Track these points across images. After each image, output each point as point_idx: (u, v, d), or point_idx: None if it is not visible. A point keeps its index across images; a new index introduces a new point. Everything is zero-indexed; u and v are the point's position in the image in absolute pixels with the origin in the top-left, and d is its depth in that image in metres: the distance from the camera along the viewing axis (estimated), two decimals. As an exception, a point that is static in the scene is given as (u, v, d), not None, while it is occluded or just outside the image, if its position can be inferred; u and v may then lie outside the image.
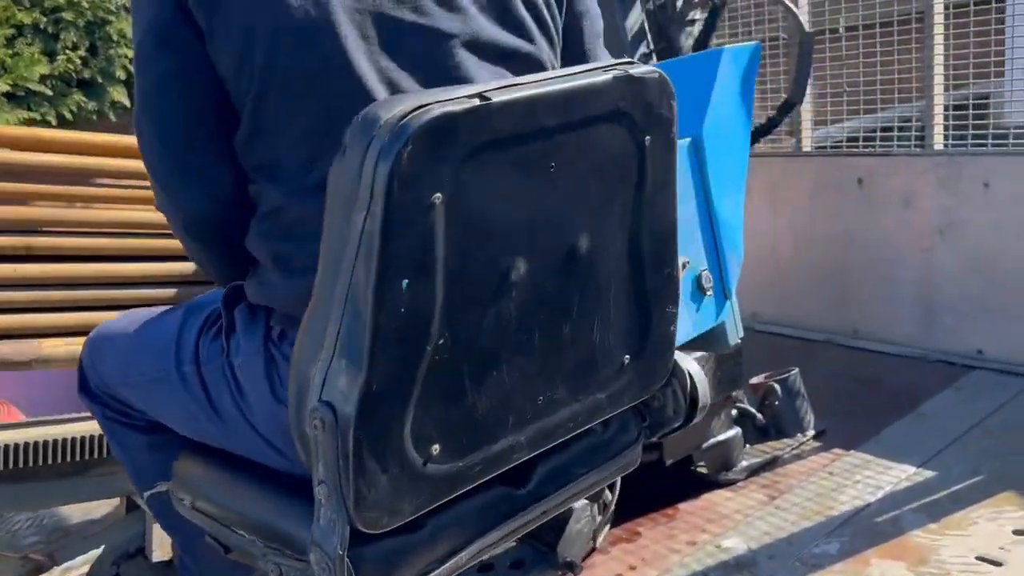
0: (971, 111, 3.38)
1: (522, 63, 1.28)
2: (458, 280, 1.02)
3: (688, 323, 1.91)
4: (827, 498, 2.60)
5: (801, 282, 4.11)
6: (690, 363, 1.48)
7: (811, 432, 3.02)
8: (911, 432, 2.96)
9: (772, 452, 2.93)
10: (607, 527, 2.54)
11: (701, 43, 2.77)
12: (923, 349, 3.63)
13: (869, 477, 2.69)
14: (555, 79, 1.06)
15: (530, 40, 1.30)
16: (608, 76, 1.10)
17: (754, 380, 3.10)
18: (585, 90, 1.08)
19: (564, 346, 1.21)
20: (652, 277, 1.30)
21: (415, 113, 0.92)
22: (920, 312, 3.66)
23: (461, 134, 0.95)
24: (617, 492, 2.51)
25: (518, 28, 1.28)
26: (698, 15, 2.90)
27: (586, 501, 2.17)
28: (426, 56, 1.22)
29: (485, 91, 0.98)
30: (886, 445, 2.89)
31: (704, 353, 2.44)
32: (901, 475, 2.67)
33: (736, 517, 2.58)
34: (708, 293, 1.93)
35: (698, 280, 1.91)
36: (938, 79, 3.40)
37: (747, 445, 2.97)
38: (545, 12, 1.33)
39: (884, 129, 3.66)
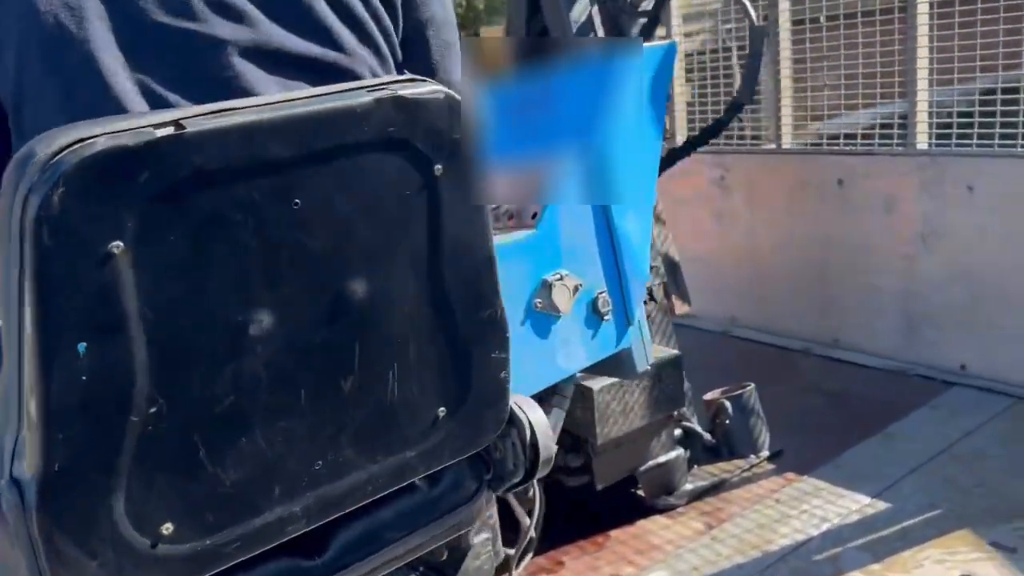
0: (955, 108, 3.14)
1: (329, 75, 1.12)
2: (170, 340, 0.87)
3: (581, 351, 1.74)
4: (768, 530, 2.42)
5: (781, 286, 3.90)
6: (532, 411, 1.31)
7: (765, 453, 2.84)
8: (873, 456, 2.76)
9: (720, 475, 2.75)
10: (529, 556, 2.39)
11: (646, 34, 2.57)
12: (904, 362, 3.41)
13: (817, 507, 2.50)
14: (290, 102, 0.90)
15: (339, 49, 1.13)
16: (368, 98, 0.94)
17: (708, 396, 2.92)
18: (335, 115, 0.92)
19: (345, 404, 1.05)
20: (465, 321, 1.13)
21: (73, 148, 0.77)
22: (902, 323, 3.44)
23: (142, 171, 0.80)
24: (537, 518, 2.36)
25: (321, 36, 1.12)
26: (651, 6, 2.70)
27: (488, 535, 2.01)
28: (197, 66, 1.06)
29: (184, 118, 0.82)
30: (843, 470, 2.69)
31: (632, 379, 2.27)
32: (852, 506, 2.48)
33: (667, 548, 2.41)
34: (607, 318, 1.76)
35: (594, 304, 1.73)
36: (922, 74, 3.16)
37: (695, 466, 2.80)
38: (367, 18, 1.16)
39: (867, 127, 3.43)
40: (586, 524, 2.55)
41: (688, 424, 2.76)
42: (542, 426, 1.31)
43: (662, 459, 2.62)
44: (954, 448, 2.74)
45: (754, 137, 3.88)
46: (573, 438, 2.49)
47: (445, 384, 1.15)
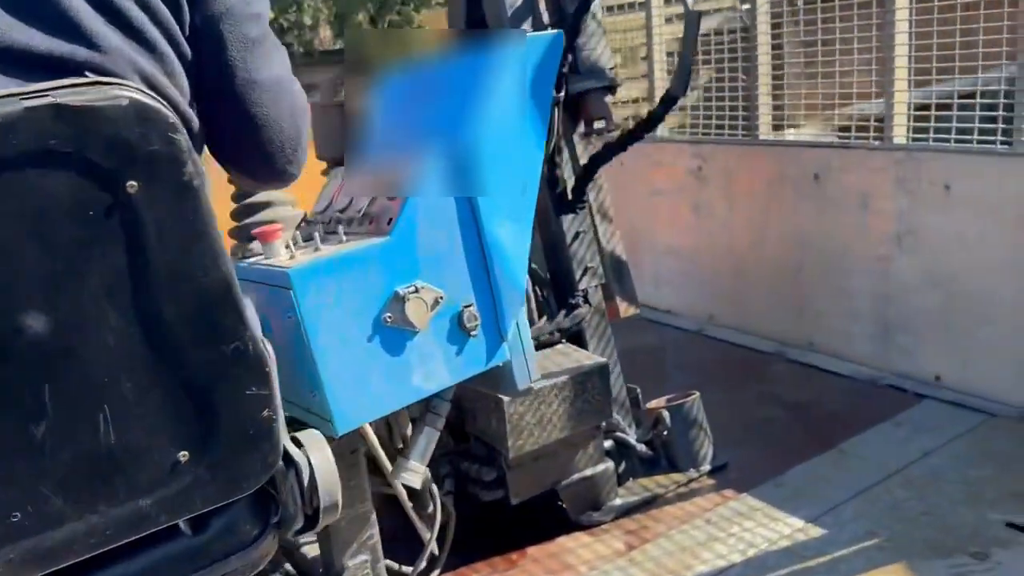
0: (933, 100, 2.90)
1: (80, 75, 0.98)
2: None
3: (443, 369, 1.59)
4: (690, 554, 2.26)
5: (757, 285, 3.70)
6: (317, 452, 1.17)
7: (707, 467, 2.67)
8: (820, 475, 2.58)
9: (655, 490, 2.59)
10: (434, 573, 2.26)
11: (578, 15, 2.39)
12: (878, 371, 3.21)
13: (748, 530, 2.34)
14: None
15: (94, 47, 1.00)
16: (19, 107, 0.80)
17: (651, 404, 2.76)
18: (-31, 126, 0.78)
19: (42, 451, 0.93)
20: (202, 357, 1.00)
21: None
22: (876, 328, 3.22)
23: None
24: (440, 533, 2.23)
25: (72, 32, 0.99)
26: (594, -15, 2.51)
27: (366, 556, 1.89)
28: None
29: None
30: (784, 490, 2.52)
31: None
32: (784, 530, 2.31)
33: (582, 569, 2.27)
34: (474, 334, 1.61)
35: (458, 319, 1.59)
36: (900, 62, 2.92)
37: (630, 479, 2.65)
38: (136, 13, 1.02)
39: (845, 120, 3.20)
40: (503, 539, 2.41)
41: (622, 435, 2.60)
42: (325, 468, 1.17)
43: (588, 472, 2.47)
44: (908, 470, 2.54)
45: (731, 128, 3.66)
46: (488, 450, 2.35)
47: (183, 426, 1.02)
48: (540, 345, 2.51)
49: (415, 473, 1.78)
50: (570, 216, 2.60)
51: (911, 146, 2.97)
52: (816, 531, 2.29)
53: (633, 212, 4.21)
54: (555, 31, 1.77)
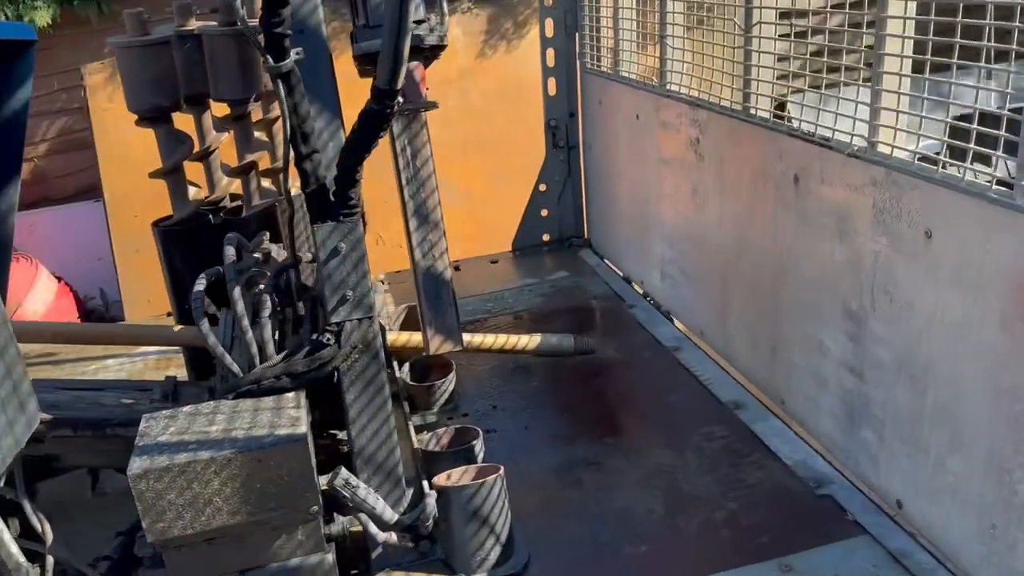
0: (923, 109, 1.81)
1: None
2: None
3: None
4: None
5: (739, 305, 2.78)
6: None
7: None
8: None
9: (398, 594, 2.00)
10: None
11: None
12: (837, 466, 2.27)
13: None
14: None
15: None
16: None
17: (438, 479, 2.12)
18: None
19: None
20: None
21: None
22: (842, 408, 2.26)
23: None
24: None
25: None
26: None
27: None
28: None
29: None
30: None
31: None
32: None
33: None
34: None
35: None
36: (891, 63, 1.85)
37: (385, 571, 2.06)
38: None
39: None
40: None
41: (366, 518, 2.01)
42: None
43: (293, 563, 1.93)
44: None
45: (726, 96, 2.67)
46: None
47: None
48: (258, 392, 1.96)
49: None
50: (328, 225, 1.95)
51: (892, 163, 1.90)
52: None
53: (644, 179, 3.37)
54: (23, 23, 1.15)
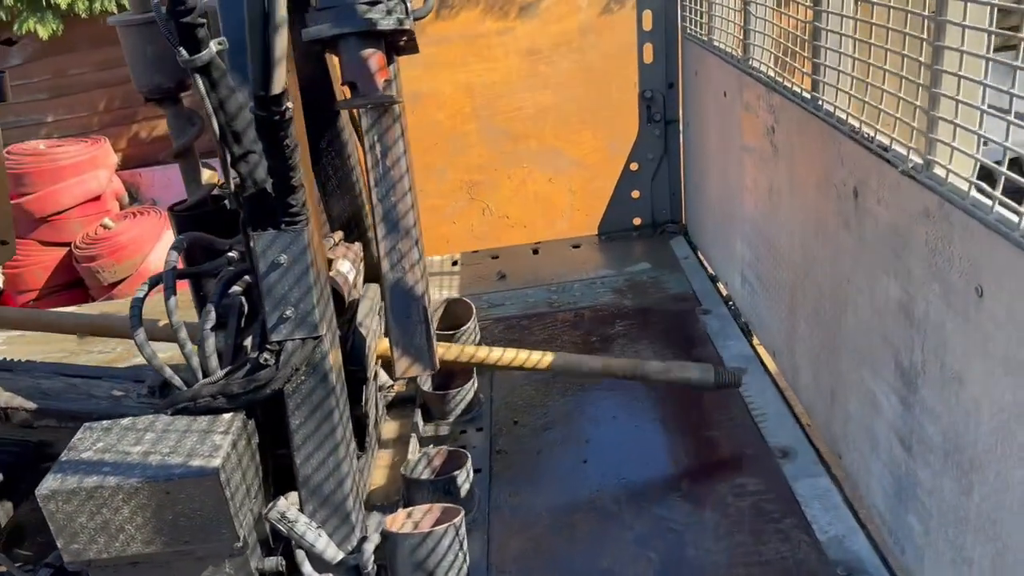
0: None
1: None
2: None
3: None
4: None
5: (804, 331, 2.33)
6: None
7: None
8: None
9: (331, 642, 1.82)
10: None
11: None
12: (864, 557, 1.84)
13: None
14: None
15: None
16: None
17: (391, 517, 1.90)
18: None
19: None
20: None
21: None
22: (890, 482, 1.81)
23: None
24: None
25: None
26: None
27: None
28: None
29: None
30: None
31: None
32: None
33: None
34: None
35: None
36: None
37: (327, 609, 1.89)
38: None
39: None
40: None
41: (305, 557, 1.83)
42: None
43: (220, 600, 1.79)
44: None
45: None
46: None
47: None
48: (195, 410, 1.81)
49: None
50: (268, 234, 1.75)
51: (945, 191, 1.43)
52: None
53: (728, 167, 2.95)
54: None
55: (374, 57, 1.70)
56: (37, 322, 2.94)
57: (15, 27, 5.79)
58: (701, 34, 3.21)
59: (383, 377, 2.57)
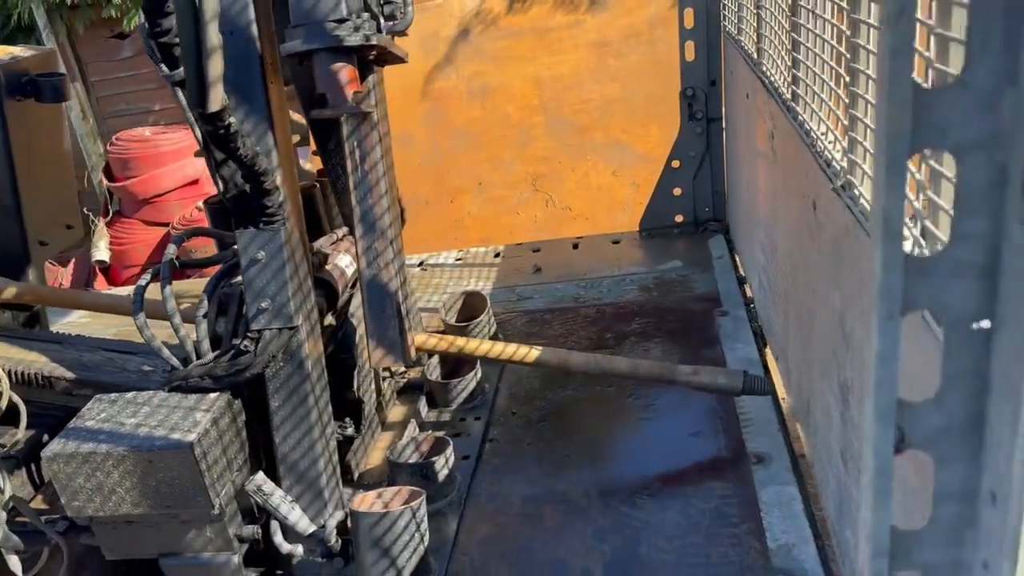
0: None
1: None
2: None
3: None
4: None
5: (794, 336, 2.33)
6: None
7: (374, 609, 1.92)
8: None
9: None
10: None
11: None
12: (808, 568, 1.85)
13: None
14: None
15: None
16: None
17: (360, 498, 2.04)
18: None
19: None
20: None
21: None
22: (836, 495, 1.82)
23: None
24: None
25: None
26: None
27: None
28: None
29: None
30: None
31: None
32: None
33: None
34: None
35: None
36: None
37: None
38: None
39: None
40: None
41: (278, 528, 2.00)
42: None
43: (204, 556, 1.99)
44: None
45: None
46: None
47: None
48: (186, 389, 2.01)
49: None
50: (249, 232, 1.92)
51: (857, 212, 1.43)
52: None
53: (749, 168, 2.96)
54: None
55: (344, 71, 1.83)
56: (78, 302, 3.26)
57: (125, 22, 6.28)
58: (733, 34, 3.19)
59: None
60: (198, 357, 2.05)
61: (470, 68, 5.36)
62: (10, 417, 2.43)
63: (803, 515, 2.02)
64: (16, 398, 2.39)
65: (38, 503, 2.53)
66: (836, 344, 1.73)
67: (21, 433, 2.42)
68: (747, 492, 2.13)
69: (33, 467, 2.54)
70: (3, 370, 2.36)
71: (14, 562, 2.17)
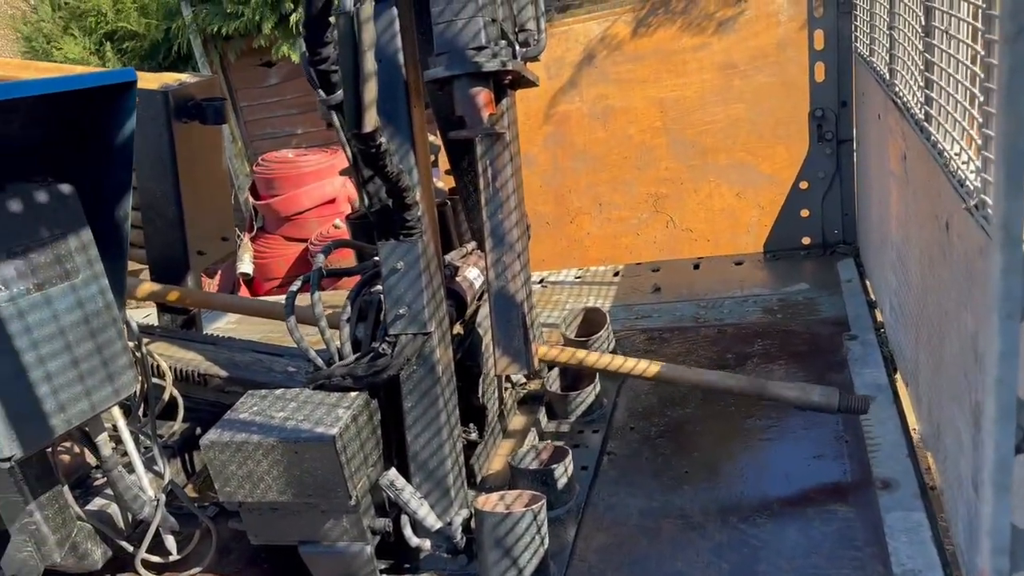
0: None
1: None
2: None
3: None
4: None
5: (926, 363, 2.28)
6: None
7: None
8: None
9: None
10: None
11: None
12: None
13: None
14: None
15: None
16: None
17: (482, 500, 2.13)
18: None
19: None
20: None
21: None
22: (966, 523, 1.77)
23: None
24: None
25: None
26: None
27: (24, 536, 2.13)
28: None
29: None
30: None
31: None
32: None
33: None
34: None
35: None
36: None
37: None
38: None
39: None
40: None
41: (408, 522, 2.12)
42: None
43: (339, 546, 2.13)
44: None
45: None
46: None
47: None
48: (329, 387, 2.17)
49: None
50: (389, 244, 2.06)
51: (991, 231, 1.41)
52: None
53: (881, 190, 2.92)
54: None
55: (481, 94, 1.96)
56: (231, 306, 3.52)
57: (273, 52, 6.74)
58: (864, 55, 3.14)
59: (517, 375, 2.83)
60: (340, 359, 2.20)
61: (594, 91, 5.46)
62: (167, 411, 2.68)
63: (931, 542, 1.97)
64: (176, 393, 2.63)
65: (189, 491, 2.77)
66: (968, 366, 1.70)
67: (178, 425, 2.65)
68: (871, 516, 2.09)
69: (187, 457, 2.78)
70: (168, 368, 2.61)
71: (170, 541, 2.38)
